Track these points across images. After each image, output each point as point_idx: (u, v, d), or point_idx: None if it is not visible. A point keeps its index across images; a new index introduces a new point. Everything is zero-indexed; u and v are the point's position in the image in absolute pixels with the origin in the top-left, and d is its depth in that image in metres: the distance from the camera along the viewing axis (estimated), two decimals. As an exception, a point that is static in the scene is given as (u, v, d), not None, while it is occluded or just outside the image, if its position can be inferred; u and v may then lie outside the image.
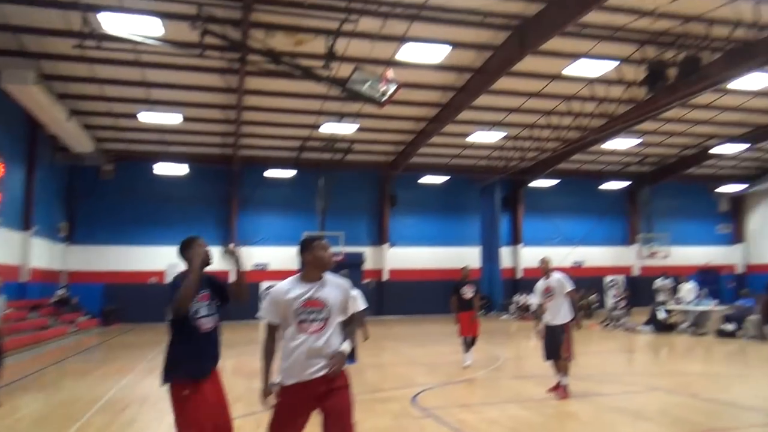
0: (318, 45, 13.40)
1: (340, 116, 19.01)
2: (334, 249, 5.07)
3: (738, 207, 31.53)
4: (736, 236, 31.61)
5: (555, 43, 14.22)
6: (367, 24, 13.14)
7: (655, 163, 28.12)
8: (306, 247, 3.69)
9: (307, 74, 13.42)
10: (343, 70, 13.29)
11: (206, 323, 3.91)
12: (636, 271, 29.53)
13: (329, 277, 3.73)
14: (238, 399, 7.12)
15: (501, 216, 27.37)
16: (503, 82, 16.76)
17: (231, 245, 4.11)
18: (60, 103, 17.10)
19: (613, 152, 25.14)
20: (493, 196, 26.82)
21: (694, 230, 30.62)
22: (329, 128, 19.90)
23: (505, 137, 21.98)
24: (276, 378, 3.59)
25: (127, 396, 8.51)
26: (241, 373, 10.38)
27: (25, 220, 18.79)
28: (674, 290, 18.63)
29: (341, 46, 13.34)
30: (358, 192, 26.50)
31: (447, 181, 26.97)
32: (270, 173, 24.86)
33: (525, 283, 25.15)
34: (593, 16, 13.06)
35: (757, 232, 30.71)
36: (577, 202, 29.19)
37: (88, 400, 8.16)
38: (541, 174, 26.44)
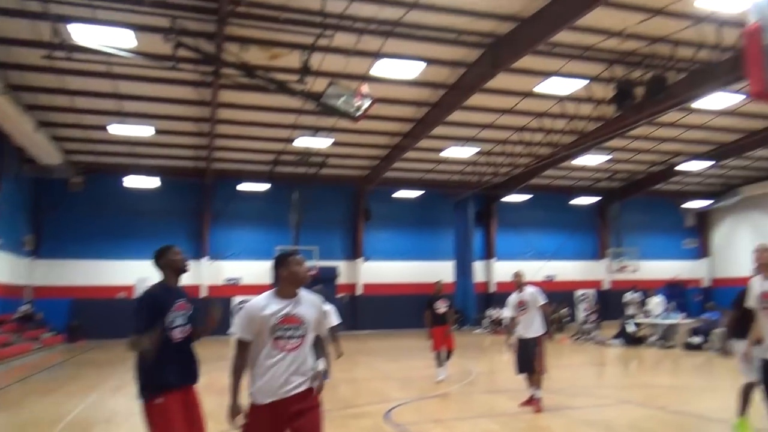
0: (293, 59, 13.36)
1: (315, 130, 18.96)
2: (308, 263, 5.04)
3: (703, 222, 32.34)
4: (702, 251, 32.40)
5: (527, 61, 14.51)
6: (342, 39, 13.21)
7: (624, 179, 28.71)
8: (281, 262, 3.67)
9: (282, 88, 13.38)
10: (318, 84, 13.27)
11: (179, 333, 3.90)
12: (606, 285, 29.94)
13: (304, 293, 3.71)
14: (209, 416, 6.92)
15: (474, 230, 27.53)
16: (476, 99, 17.02)
17: (216, 308, 4.08)
18: (28, 114, 16.68)
19: (583, 168, 25.59)
20: (466, 211, 26.99)
21: (662, 245, 31.25)
22: (304, 142, 19.84)
23: (478, 153, 22.22)
24: (246, 398, 3.52)
25: (92, 415, 8.30)
26: (212, 389, 10.08)
27: (-12, 234, 18.28)
28: (643, 303, 18.98)
29: (316, 60, 13.35)
30: (333, 206, 26.42)
31: (421, 195, 27.08)
32: (243, 187, 24.56)
33: (498, 297, 25.30)
34: (564, 36, 13.40)
35: (722, 247, 31.49)
36: (549, 216, 29.54)
37: (53, 419, 7.94)
38: (514, 189, 26.72)
